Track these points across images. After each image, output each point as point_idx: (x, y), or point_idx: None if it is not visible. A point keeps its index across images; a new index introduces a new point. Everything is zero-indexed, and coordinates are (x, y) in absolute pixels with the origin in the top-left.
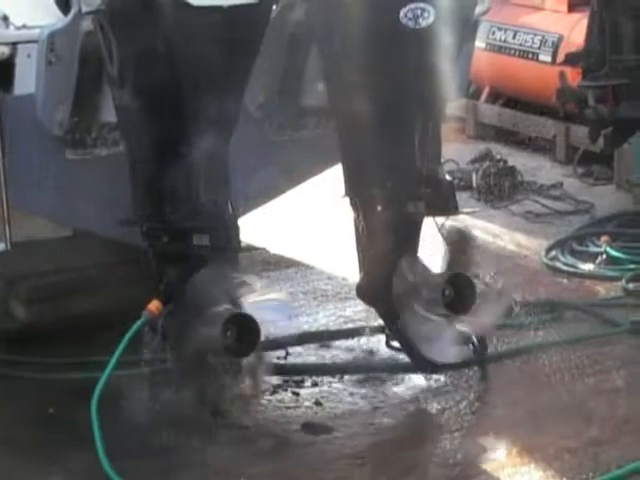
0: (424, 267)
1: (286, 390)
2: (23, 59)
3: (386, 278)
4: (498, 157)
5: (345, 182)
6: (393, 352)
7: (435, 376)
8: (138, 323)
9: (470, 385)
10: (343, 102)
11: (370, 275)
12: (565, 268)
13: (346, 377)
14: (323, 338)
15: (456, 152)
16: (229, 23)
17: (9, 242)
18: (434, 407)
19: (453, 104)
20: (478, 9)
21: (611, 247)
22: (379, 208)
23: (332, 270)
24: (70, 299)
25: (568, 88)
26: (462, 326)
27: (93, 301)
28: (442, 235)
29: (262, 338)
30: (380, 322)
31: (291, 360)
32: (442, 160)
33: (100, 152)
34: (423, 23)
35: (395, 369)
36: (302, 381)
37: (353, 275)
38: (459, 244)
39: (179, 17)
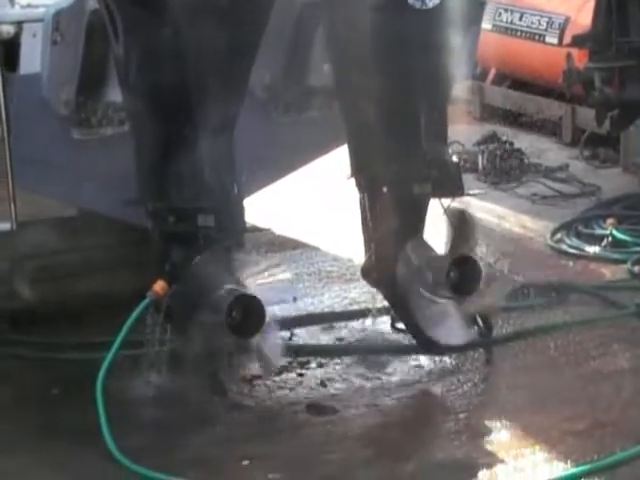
0: (429, 249)
1: (291, 371)
2: (28, 38)
3: (391, 260)
4: (504, 139)
5: (350, 163)
6: (398, 334)
7: (440, 358)
8: (143, 304)
9: (475, 367)
10: (348, 83)
11: (375, 257)
12: (571, 250)
13: (351, 358)
14: (328, 319)
15: (462, 134)
16: (235, 2)
17: (14, 222)
18: (439, 389)
19: (459, 85)
20: None
21: (617, 230)
22: (384, 189)
23: (337, 252)
24: (75, 279)
25: (574, 70)
26: (467, 308)
27: (98, 281)
28: (447, 217)
29: (267, 319)
30: (385, 304)
31: (296, 341)
32: (448, 142)
33: (106, 132)
34: (430, 4)
35: (400, 351)
36: (307, 362)
37: (358, 257)
38: (461, 226)
39: None
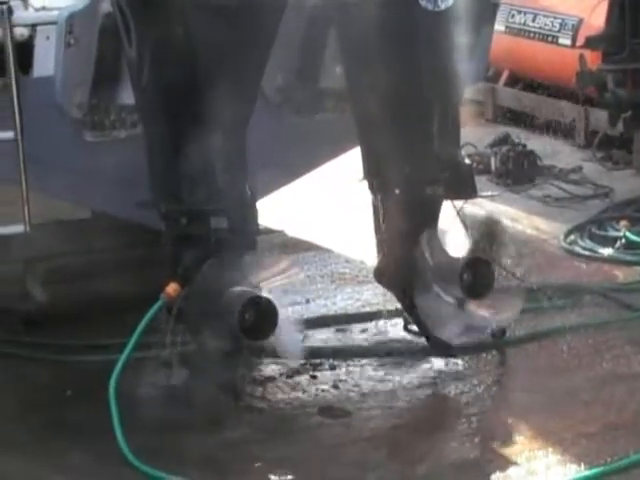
0: (442, 250)
1: (303, 373)
2: (42, 41)
3: (404, 261)
4: (517, 141)
5: (363, 165)
6: (411, 335)
7: (453, 360)
8: (156, 306)
9: (488, 369)
10: (360, 85)
11: (388, 258)
12: (584, 252)
13: (364, 360)
14: (341, 321)
15: (475, 136)
16: (247, 3)
17: (28, 224)
18: (452, 391)
19: (472, 87)
20: None
21: (630, 231)
22: (397, 191)
23: (350, 253)
24: (88, 281)
25: (587, 72)
26: (480, 310)
27: (110, 283)
28: (460, 219)
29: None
30: (398, 305)
31: (309, 343)
32: (461, 143)
33: (118, 134)
34: (442, 5)
35: (413, 352)
36: (320, 364)
37: (371, 258)
38: (488, 230)
39: None
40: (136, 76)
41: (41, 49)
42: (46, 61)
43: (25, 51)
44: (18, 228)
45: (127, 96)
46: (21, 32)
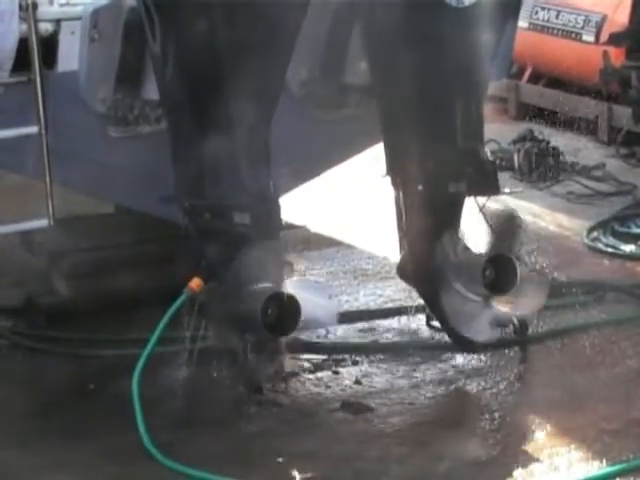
0: (465, 247)
1: (326, 369)
2: (66, 36)
3: (427, 258)
4: (540, 137)
5: (386, 161)
6: (433, 331)
7: (475, 356)
8: (179, 300)
9: (510, 366)
10: (385, 80)
11: (411, 254)
12: (607, 249)
13: (386, 356)
14: (364, 317)
15: (498, 132)
16: None
17: (52, 218)
18: (474, 387)
19: (495, 84)
20: None
21: None
22: (420, 188)
23: (373, 249)
24: (112, 276)
25: (611, 68)
26: (503, 306)
27: (134, 278)
28: (483, 215)
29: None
30: (420, 301)
31: (332, 339)
32: (484, 140)
33: (142, 129)
34: (466, 1)
35: (435, 348)
36: (342, 360)
37: (394, 254)
38: (507, 226)
39: None
40: (160, 71)
41: (65, 44)
42: (71, 56)
43: (50, 46)
44: (42, 222)
45: (151, 91)
46: (46, 27)
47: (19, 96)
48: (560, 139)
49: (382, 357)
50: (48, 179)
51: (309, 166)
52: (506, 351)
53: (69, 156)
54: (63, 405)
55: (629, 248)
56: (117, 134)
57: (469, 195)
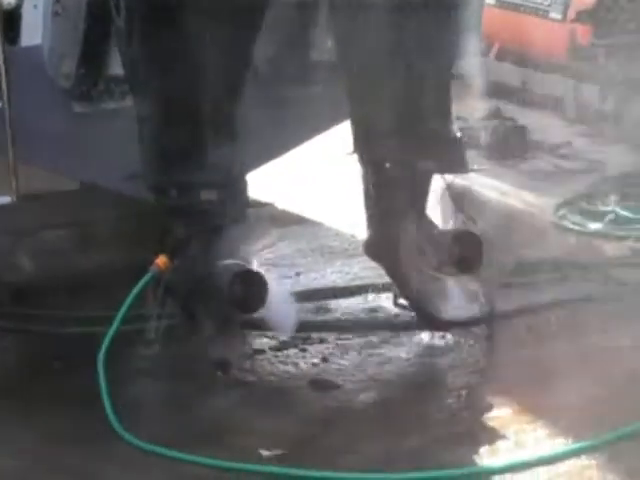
0: (432, 225)
1: (293, 346)
2: (29, 10)
3: (393, 235)
4: (507, 115)
5: (353, 138)
6: (400, 309)
7: (442, 334)
8: (145, 278)
9: (477, 343)
10: (350, 57)
11: (377, 232)
12: (573, 227)
13: (353, 334)
14: (330, 295)
15: (465, 110)
16: None
17: (15, 195)
18: (440, 365)
19: (463, 61)
20: None
21: (620, 206)
22: (387, 165)
23: (340, 227)
24: (76, 253)
25: (579, 46)
26: (469, 284)
27: (99, 256)
28: (450, 193)
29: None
30: (388, 279)
31: (298, 317)
32: (452, 117)
33: (107, 105)
34: None
35: (402, 327)
36: (308, 337)
37: (361, 232)
38: (460, 201)
39: None
40: (125, 46)
41: (29, 18)
42: (34, 30)
43: (13, 20)
44: (5, 199)
45: (116, 67)
46: (8, 1)
47: None
48: (528, 117)
49: (349, 335)
50: (12, 155)
51: (276, 143)
52: (473, 329)
53: (33, 132)
54: (27, 384)
55: (596, 226)
56: (81, 110)
57: (437, 173)
